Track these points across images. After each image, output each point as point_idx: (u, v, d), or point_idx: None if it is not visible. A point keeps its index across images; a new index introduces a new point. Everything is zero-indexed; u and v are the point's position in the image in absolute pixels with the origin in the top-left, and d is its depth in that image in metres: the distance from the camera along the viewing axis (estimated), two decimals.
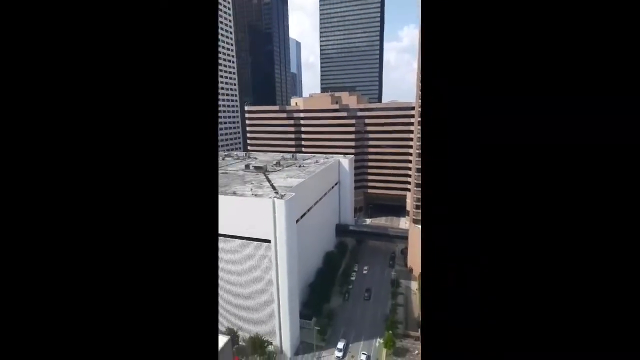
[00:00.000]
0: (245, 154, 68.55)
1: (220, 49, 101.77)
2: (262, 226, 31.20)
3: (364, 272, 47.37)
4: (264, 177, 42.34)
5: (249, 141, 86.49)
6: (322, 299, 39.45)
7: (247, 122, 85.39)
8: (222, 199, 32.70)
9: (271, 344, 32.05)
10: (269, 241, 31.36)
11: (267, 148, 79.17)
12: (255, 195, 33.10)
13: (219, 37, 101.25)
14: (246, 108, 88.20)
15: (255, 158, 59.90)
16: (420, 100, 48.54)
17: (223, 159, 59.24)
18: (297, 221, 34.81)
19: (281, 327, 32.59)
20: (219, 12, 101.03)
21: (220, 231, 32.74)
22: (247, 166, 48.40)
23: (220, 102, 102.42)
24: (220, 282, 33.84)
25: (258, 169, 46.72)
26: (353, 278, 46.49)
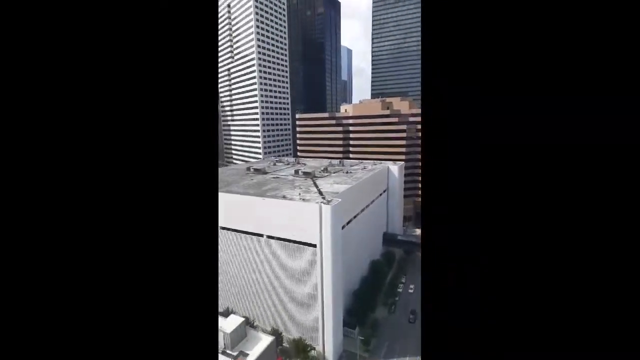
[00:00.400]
0: (295, 159, 70.86)
1: (273, 59, 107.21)
2: (309, 230, 31.82)
3: (410, 290, 44.99)
4: (312, 182, 43.24)
5: (298, 147, 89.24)
6: (367, 308, 38.58)
7: (298, 129, 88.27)
8: (272, 202, 34.23)
9: (314, 349, 32.23)
10: (315, 245, 31.81)
11: (315, 154, 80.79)
12: (303, 199, 33.94)
13: (276, 49, 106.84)
14: (297, 116, 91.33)
15: (304, 164, 61.54)
16: None
17: (274, 164, 62.04)
18: (343, 227, 34.76)
19: (324, 332, 32.61)
20: (277, 26, 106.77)
21: (268, 233, 34.23)
22: (296, 171, 49.98)
23: (272, 111, 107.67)
24: (265, 282, 35.22)
25: (306, 174, 47.92)
26: (400, 290, 44.61)
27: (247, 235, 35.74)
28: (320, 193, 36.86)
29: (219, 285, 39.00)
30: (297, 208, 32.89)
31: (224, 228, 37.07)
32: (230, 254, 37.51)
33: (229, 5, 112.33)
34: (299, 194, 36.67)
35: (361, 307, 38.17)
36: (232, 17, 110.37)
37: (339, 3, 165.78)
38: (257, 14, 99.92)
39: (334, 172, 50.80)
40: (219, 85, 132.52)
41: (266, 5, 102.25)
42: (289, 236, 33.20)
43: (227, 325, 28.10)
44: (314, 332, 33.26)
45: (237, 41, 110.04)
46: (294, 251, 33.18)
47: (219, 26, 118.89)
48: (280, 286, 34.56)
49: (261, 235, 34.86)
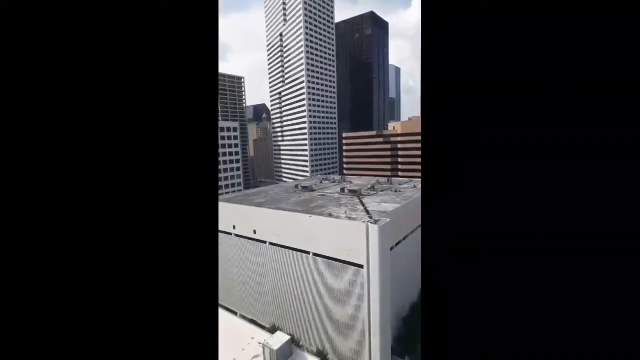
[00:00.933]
0: (341, 177, 71.06)
1: (322, 81, 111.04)
2: (355, 250, 31.17)
3: None
4: (358, 200, 42.73)
5: (345, 165, 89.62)
6: (417, 336, 35.83)
7: (344, 147, 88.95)
8: (318, 219, 34.47)
9: None
10: (361, 266, 30.96)
11: (362, 172, 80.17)
12: (349, 218, 33.58)
13: (324, 71, 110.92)
14: (343, 134, 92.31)
15: (350, 182, 61.30)
16: None
17: (321, 181, 62.86)
18: (392, 248, 33.38)
19: (371, 359, 30.91)
20: (325, 50, 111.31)
21: (314, 250, 34.28)
22: (342, 189, 49.95)
23: (320, 131, 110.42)
24: (311, 301, 34.92)
25: (352, 192, 47.59)
26: None
27: (294, 252, 36.21)
28: (367, 212, 36.14)
29: (267, 300, 39.72)
30: (343, 226, 32.59)
31: (272, 244, 38.13)
32: (277, 270, 38.24)
33: (281, 34, 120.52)
34: (345, 212, 36.40)
35: (411, 334, 35.59)
36: (284, 44, 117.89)
37: (387, 24, 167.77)
38: (307, 40, 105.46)
39: (382, 191, 49.64)
40: (271, 107, 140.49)
41: (315, 32, 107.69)
42: (334, 255, 32.84)
43: (273, 342, 28.27)
44: (360, 357, 31.71)
45: (288, 66, 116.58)
46: (339, 270, 32.63)
47: (272, 53, 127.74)
48: (326, 306, 33.98)
49: (307, 253, 35.05)
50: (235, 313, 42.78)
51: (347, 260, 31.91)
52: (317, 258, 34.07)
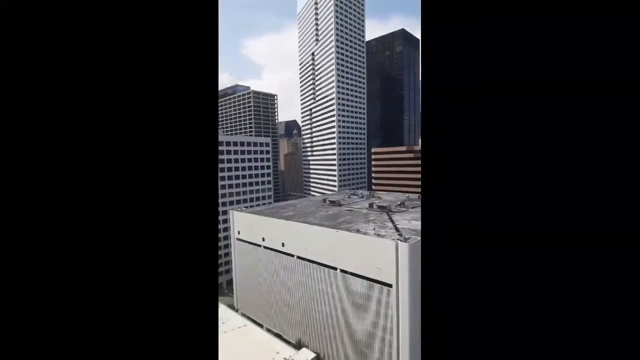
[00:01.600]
0: (369, 192, 70.25)
1: (352, 97, 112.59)
2: (384, 268, 30.35)
3: None
4: (387, 217, 41.87)
5: (373, 181, 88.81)
6: None
7: (373, 162, 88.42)
8: (346, 235, 34.17)
9: None
10: (390, 285, 30.00)
11: (391, 188, 78.81)
12: (378, 235, 32.94)
13: (354, 88, 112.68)
14: (372, 150, 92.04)
15: (379, 197, 60.38)
16: None
17: (349, 196, 62.60)
18: None
19: None
20: (356, 67, 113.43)
21: (341, 266, 33.83)
22: (370, 205, 49.30)
23: (349, 146, 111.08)
24: (338, 319, 34.17)
25: (381, 208, 46.78)
26: None
27: (321, 267, 35.99)
28: (397, 229, 35.22)
29: (293, 314, 39.50)
30: (371, 243, 31.98)
31: (300, 258, 38.24)
32: (304, 284, 38.10)
33: (313, 53, 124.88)
34: (374, 228, 35.76)
35: None
36: (316, 63, 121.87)
37: (418, 41, 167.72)
38: (338, 58, 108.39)
39: (412, 208, 48.28)
40: (302, 123, 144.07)
41: (347, 51, 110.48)
42: (362, 272, 32.16)
43: (298, 359, 27.91)
44: None
45: (320, 84, 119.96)
46: (367, 289, 31.81)
47: (304, 72, 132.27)
48: (352, 325, 33.06)
49: (334, 269, 34.67)
50: (261, 326, 42.92)
51: (375, 278, 31.09)
52: (345, 275, 33.55)
